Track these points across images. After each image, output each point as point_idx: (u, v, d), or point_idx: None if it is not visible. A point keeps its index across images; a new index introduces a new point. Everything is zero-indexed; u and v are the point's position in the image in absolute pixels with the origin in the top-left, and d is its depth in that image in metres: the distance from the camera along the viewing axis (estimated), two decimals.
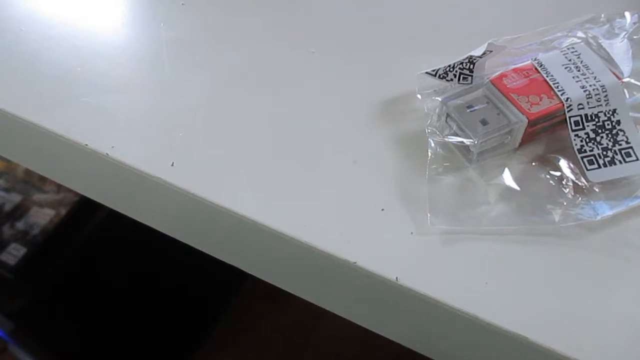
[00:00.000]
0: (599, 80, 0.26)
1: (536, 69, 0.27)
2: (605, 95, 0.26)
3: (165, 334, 0.86)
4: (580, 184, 0.26)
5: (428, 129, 0.27)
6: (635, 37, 0.29)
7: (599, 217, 0.25)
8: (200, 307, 0.92)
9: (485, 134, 0.26)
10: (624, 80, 0.27)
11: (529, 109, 0.26)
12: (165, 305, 0.84)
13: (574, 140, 0.26)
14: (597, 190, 0.26)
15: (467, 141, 0.26)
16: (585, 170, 0.26)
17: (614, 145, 0.26)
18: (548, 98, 0.26)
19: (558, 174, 0.26)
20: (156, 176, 0.27)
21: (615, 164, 0.25)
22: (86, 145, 0.28)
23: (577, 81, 0.26)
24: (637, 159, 0.25)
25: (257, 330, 0.93)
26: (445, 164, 0.27)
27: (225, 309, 0.95)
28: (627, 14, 0.30)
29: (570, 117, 0.26)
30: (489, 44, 0.27)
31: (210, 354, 0.91)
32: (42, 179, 0.74)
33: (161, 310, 0.84)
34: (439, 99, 0.27)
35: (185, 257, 0.62)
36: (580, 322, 0.23)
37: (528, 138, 0.27)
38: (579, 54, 0.27)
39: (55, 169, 0.34)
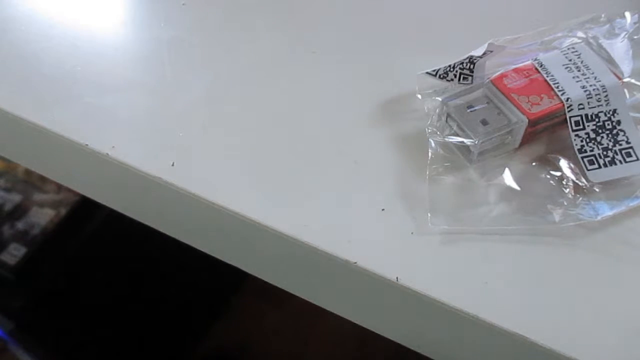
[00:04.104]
0: (599, 80, 0.26)
1: (536, 69, 0.27)
2: (606, 95, 0.26)
3: (165, 333, 0.86)
4: (580, 184, 0.26)
5: (428, 129, 0.27)
6: (635, 37, 0.29)
7: (599, 217, 0.25)
8: (199, 306, 0.92)
9: (486, 134, 0.26)
10: (624, 80, 0.27)
11: (529, 109, 0.26)
12: (165, 304, 0.84)
13: (575, 140, 0.26)
14: (597, 190, 0.26)
15: (467, 141, 0.26)
16: (585, 170, 0.26)
17: (614, 145, 0.26)
18: (548, 98, 0.26)
19: (558, 174, 0.26)
20: (156, 176, 0.27)
21: (615, 164, 0.26)
22: (86, 145, 0.28)
23: (577, 81, 0.26)
24: (638, 159, 0.25)
25: (256, 329, 0.93)
26: (445, 164, 0.27)
27: (224, 308, 0.95)
28: (627, 14, 0.30)
29: (570, 117, 0.26)
30: (489, 44, 0.27)
31: (209, 353, 0.91)
32: (42, 179, 0.74)
33: (161, 310, 0.84)
34: (439, 99, 0.27)
35: (185, 257, 0.62)
36: (580, 322, 0.23)
37: (528, 138, 0.27)
38: (579, 54, 0.27)
39: (55, 169, 0.34)
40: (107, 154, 0.28)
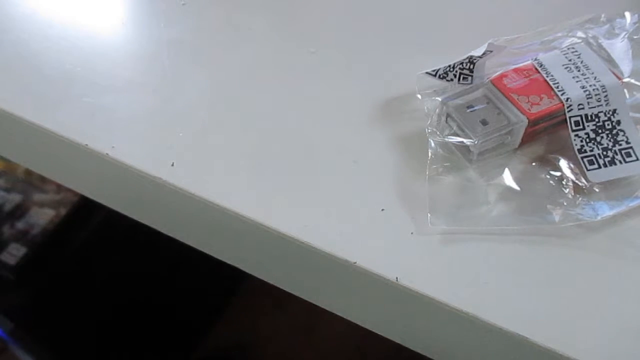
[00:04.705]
0: (599, 80, 0.26)
1: (536, 69, 0.27)
2: (606, 95, 0.26)
3: (165, 334, 0.86)
4: (580, 184, 0.26)
5: (428, 129, 0.27)
6: (635, 37, 0.29)
7: (599, 217, 0.25)
8: (199, 306, 0.92)
9: (486, 134, 0.26)
10: (624, 80, 0.27)
11: (529, 109, 0.26)
12: (165, 305, 0.84)
13: (574, 140, 0.26)
14: (597, 190, 0.26)
15: (467, 141, 0.26)
16: (585, 170, 0.26)
17: (614, 145, 0.26)
18: (548, 98, 0.26)
19: (558, 174, 0.26)
20: (156, 176, 0.27)
21: (615, 164, 0.25)
22: (86, 145, 0.28)
23: (577, 81, 0.26)
24: (637, 159, 0.25)
25: (256, 330, 0.93)
26: (445, 164, 0.27)
27: (224, 308, 0.95)
28: (627, 14, 0.30)
29: (570, 117, 0.26)
30: (489, 44, 0.27)
31: (210, 353, 0.91)
32: (42, 179, 0.74)
33: (161, 310, 0.84)
34: (439, 99, 0.27)
35: (185, 257, 0.62)
36: (580, 322, 0.23)
37: (528, 138, 0.27)
38: (579, 54, 0.27)
39: (55, 169, 0.34)
40: (107, 154, 0.28)
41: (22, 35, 0.34)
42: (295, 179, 0.27)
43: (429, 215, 0.25)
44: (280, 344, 0.92)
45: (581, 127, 0.26)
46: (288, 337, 0.92)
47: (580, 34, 0.29)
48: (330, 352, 0.90)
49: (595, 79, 0.26)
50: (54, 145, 0.30)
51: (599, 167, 0.26)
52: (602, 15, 0.30)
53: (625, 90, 0.27)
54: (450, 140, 0.26)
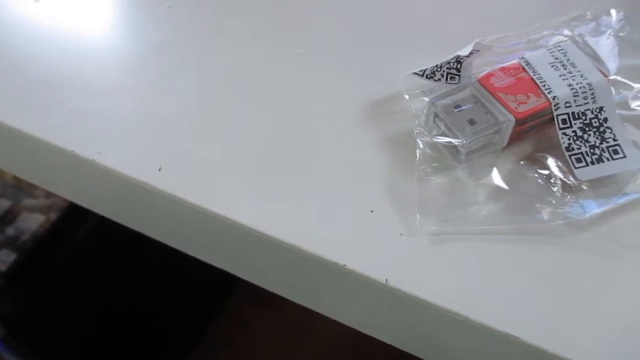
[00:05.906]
0: (586, 78, 0.26)
1: (523, 67, 0.27)
2: (592, 93, 0.26)
3: (159, 338, 0.86)
4: (568, 182, 0.26)
5: (416, 130, 0.27)
6: (621, 34, 0.29)
7: (587, 215, 0.25)
8: (193, 309, 0.92)
9: (473, 134, 0.26)
10: (611, 77, 0.27)
11: (516, 108, 0.26)
12: (158, 309, 0.84)
13: (562, 138, 0.26)
14: (585, 188, 0.26)
15: (455, 141, 0.26)
16: (573, 168, 0.26)
17: (601, 143, 0.26)
18: (535, 97, 0.26)
19: (546, 172, 0.26)
20: (144, 181, 0.27)
21: (602, 161, 0.26)
22: (72, 151, 0.28)
23: (563, 79, 0.26)
24: (625, 157, 0.25)
25: (250, 332, 0.93)
26: (433, 165, 0.27)
27: (218, 311, 0.95)
28: (612, 12, 0.30)
29: (557, 116, 0.26)
30: (475, 43, 0.27)
31: (204, 357, 0.91)
32: (32, 184, 0.73)
33: (154, 314, 0.83)
34: (427, 99, 0.27)
35: (178, 261, 0.62)
36: (570, 321, 0.23)
37: (516, 137, 0.27)
38: (566, 52, 0.27)
39: (41, 176, 0.33)
40: (93, 159, 0.28)
41: (8, 39, 0.33)
42: (283, 181, 0.27)
43: (417, 216, 0.25)
44: (274, 346, 0.92)
45: (568, 125, 0.26)
46: (281, 339, 0.92)
47: (566, 32, 0.29)
48: (324, 353, 0.90)
49: (581, 76, 0.26)
50: (39, 152, 0.29)
51: (587, 164, 0.26)
52: (588, 13, 0.30)
53: (612, 88, 0.27)
54: (438, 140, 0.26)
